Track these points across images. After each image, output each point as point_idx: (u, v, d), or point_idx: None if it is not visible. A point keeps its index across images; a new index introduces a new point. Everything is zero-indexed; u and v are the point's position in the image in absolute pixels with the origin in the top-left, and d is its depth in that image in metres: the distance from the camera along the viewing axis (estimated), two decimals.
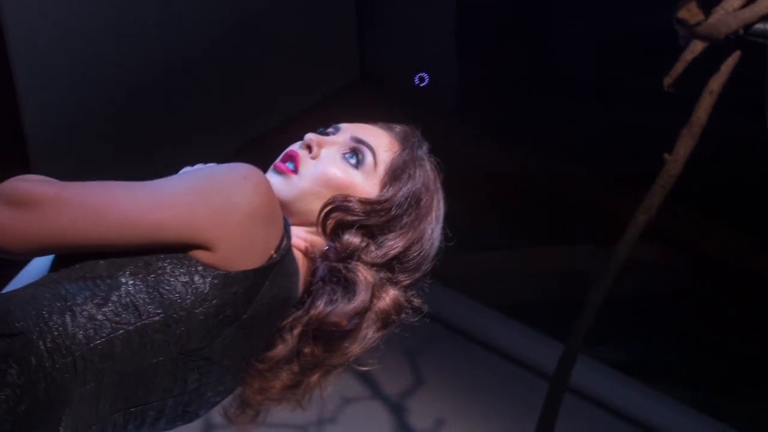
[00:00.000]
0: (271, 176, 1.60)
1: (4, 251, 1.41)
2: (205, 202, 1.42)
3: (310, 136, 1.63)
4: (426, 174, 1.65)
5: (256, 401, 1.60)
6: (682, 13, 2.58)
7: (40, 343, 1.34)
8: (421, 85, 4.35)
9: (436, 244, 1.65)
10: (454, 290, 4.02)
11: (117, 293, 1.39)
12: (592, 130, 4.62)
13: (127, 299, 1.40)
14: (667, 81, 2.63)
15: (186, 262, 1.42)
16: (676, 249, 4.24)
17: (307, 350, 1.56)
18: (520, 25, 4.89)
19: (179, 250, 1.42)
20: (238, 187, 1.43)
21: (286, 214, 1.54)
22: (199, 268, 1.42)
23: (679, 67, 2.62)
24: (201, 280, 1.42)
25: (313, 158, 1.61)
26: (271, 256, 1.46)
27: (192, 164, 1.64)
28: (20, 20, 3.81)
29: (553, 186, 4.55)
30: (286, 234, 1.49)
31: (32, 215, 1.39)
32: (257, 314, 1.48)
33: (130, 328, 1.39)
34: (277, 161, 1.63)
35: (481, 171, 4.46)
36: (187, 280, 1.42)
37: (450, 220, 1.69)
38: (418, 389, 3.84)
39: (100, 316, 1.38)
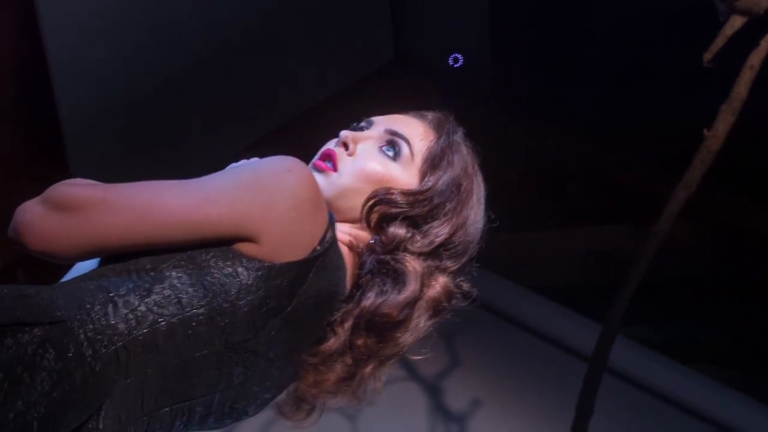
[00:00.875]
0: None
1: (54, 256, 1.41)
2: (251, 196, 1.42)
3: (344, 133, 1.63)
4: (464, 159, 1.65)
5: (312, 395, 1.60)
6: None
7: (80, 332, 1.34)
8: (455, 66, 4.34)
9: (480, 226, 1.65)
10: (491, 271, 4.02)
11: (160, 285, 1.39)
12: (627, 111, 4.59)
13: (170, 291, 1.39)
14: (707, 56, 2.60)
15: (230, 254, 1.42)
16: (712, 229, 4.22)
17: (360, 342, 1.56)
18: (555, 5, 4.86)
19: (224, 243, 1.42)
20: (283, 180, 1.43)
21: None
22: (244, 260, 1.42)
23: (719, 42, 2.59)
24: (245, 272, 1.42)
25: (350, 155, 1.62)
26: (314, 248, 1.46)
27: (236, 159, 1.63)
28: (57, 24, 3.84)
29: (588, 167, 4.53)
30: (331, 226, 1.49)
31: (80, 219, 1.39)
32: (302, 307, 1.48)
33: (174, 319, 1.39)
34: (316, 159, 1.63)
35: (516, 152, 4.45)
36: (231, 271, 1.42)
37: (485, 202, 1.68)
38: (455, 370, 3.84)
39: (142, 307, 1.38)
